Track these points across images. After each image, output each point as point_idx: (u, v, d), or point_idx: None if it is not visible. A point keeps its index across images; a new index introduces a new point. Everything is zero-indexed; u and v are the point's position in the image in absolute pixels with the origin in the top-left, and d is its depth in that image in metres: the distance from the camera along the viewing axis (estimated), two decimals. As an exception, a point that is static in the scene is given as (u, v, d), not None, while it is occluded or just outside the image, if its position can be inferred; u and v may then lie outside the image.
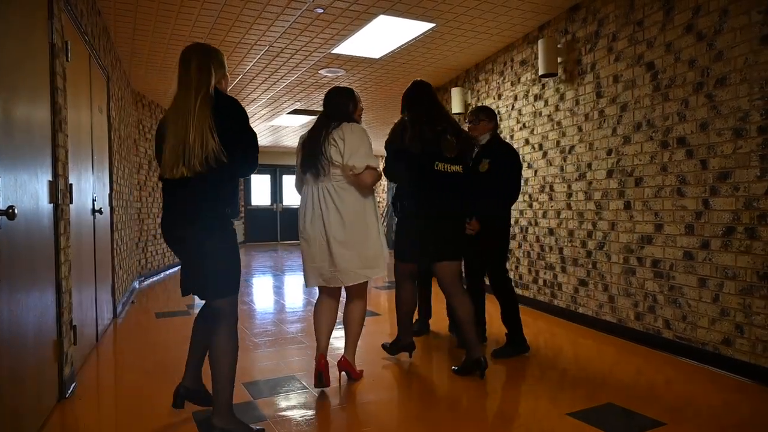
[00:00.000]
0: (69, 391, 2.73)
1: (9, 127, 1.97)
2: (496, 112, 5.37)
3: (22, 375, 2.08)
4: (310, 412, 2.50)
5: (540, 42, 4.35)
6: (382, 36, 4.76)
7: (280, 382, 2.93)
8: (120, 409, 2.62)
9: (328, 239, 2.63)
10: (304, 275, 2.78)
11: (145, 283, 6.68)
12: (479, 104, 5.75)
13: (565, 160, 4.38)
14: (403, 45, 5.06)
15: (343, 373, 2.89)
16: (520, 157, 4.94)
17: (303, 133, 2.79)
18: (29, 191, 2.18)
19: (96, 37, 3.97)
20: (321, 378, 2.66)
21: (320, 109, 2.86)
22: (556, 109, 4.48)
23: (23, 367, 2.11)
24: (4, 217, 1.81)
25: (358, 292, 2.83)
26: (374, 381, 2.92)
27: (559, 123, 4.45)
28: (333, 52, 5.20)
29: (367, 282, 2.79)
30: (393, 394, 2.73)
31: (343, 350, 2.95)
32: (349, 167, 2.57)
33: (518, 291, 5.02)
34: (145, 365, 3.21)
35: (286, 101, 7.41)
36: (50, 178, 2.53)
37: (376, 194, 12.71)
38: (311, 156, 2.65)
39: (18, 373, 2.03)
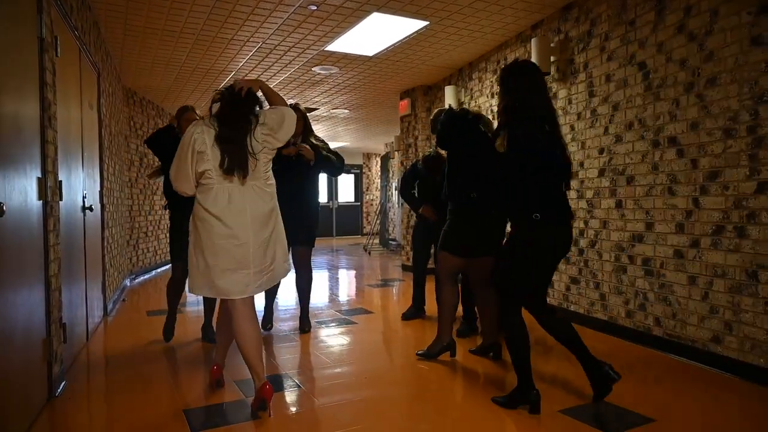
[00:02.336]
0: (58, 391, 2.69)
1: (-3, 122, 1.94)
2: (489, 110, 5.37)
3: (10, 374, 2.05)
4: (303, 410, 2.49)
5: (533, 41, 4.35)
6: (376, 34, 4.75)
7: (273, 380, 2.91)
8: (110, 408, 2.60)
9: (269, 238, 2.47)
10: (224, 285, 2.37)
11: (137, 281, 6.62)
12: (473, 103, 5.76)
13: (557, 159, 4.38)
14: (396, 43, 5.05)
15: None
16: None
17: (199, 128, 2.40)
18: (18, 188, 2.15)
19: (86, 32, 3.92)
20: (220, 383, 2.78)
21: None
22: (549, 107, 4.48)
23: (11, 366, 2.08)
24: (-8, 214, 1.79)
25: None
26: (368, 378, 2.92)
27: (551, 122, 4.45)
28: (326, 49, 5.18)
29: None
30: (386, 391, 2.73)
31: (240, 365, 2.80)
32: (284, 130, 2.48)
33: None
34: (135, 364, 3.18)
35: (278, 98, 7.36)
36: (39, 175, 2.49)
37: (369, 191, 12.62)
38: (237, 155, 2.36)
39: (6, 372, 2.00)
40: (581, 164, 4.09)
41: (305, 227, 3.77)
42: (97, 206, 4.26)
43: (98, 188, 4.39)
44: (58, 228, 2.81)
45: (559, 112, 4.35)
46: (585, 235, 4.06)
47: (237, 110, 2.43)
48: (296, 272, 3.90)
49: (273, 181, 2.55)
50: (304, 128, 3.75)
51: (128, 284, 6.23)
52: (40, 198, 2.49)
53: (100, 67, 4.56)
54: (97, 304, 4.22)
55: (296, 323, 4.20)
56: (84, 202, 3.71)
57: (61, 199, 2.90)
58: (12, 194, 2.07)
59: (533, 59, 4.35)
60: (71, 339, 3.14)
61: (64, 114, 3.08)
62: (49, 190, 2.62)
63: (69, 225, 3.19)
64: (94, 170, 4.20)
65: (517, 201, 2.42)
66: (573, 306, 4.19)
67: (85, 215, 3.73)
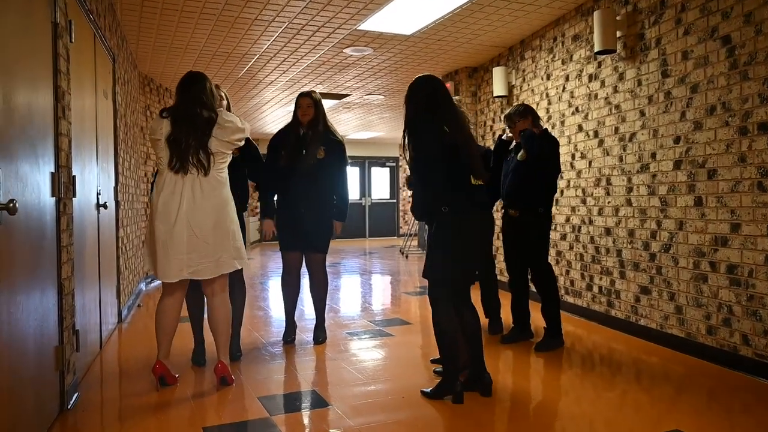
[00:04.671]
0: (71, 402, 2.81)
1: (9, 114, 2.03)
2: (544, 94, 5.30)
3: (21, 384, 2.15)
4: (333, 431, 2.51)
5: (596, 14, 4.26)
6: (415, 9, 4.74)
7: (299, 396, 2.95)
8: (124, 421, 2.69)
9: (203, 229, 2.89)
10: (161, 268, 2.89)
11: (153, 284, 6.83)
12: (525, 86, 5.69)
13: (624, 149, 4.29)
14: (438, 19, 5.03)
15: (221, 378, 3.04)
16: (573, 145, 4.90)
17: (159, 124, 2.95)
18: (31, 183, 2.25)
19: (101, 15, 4.06)
20: (164, 381, 3.00)
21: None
22: (615, 90, 4.39)
23: (24, 376, 2.17)
24: (5, 212, 1.86)
25: (221, 286, 3.06)
26: (405, 398, 2.92)
27: (617, 107, 4.36)
28: (359, 28, 5.21)
29: (227, 276, 3.10)
30: (423, 412, 2.72)
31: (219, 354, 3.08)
32: (240, 134, 3.04)
33: (570, 299, 4.95)
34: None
35: (306, 83, 7.46)
36: (53, 170, 2.60)
37: (406, 186, 12.64)
38: (188, 152, 2.88)
39: (17, 381, 2.10)
40: (653, 155, 3.98)
41: (318, 233, 3.88)
42: (111, 203, 4.41)
43: (113, 184, 4.54)
44: (71, 227, 2.93)
45: (627, 95, 4.25)
46: (657, 238, 3.95)
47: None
48: (310, 278, 4.05)
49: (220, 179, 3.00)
50: (316, 114, 3.82)
51: (143, 288, 6.43)
52: (53, 195, 2.59)
53: (116, 52, 4.72)
54: (111, 310, 4.38)
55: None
56: (98, 199, 3.84)
57: (74, 196, 3.01)
58: (25, 191, 2.16)
59: (596, 34, 4.26)
60: (84, 347, 3.26)
61: (78, 104, 3.20)
62: (63, 186, 2.73)
63: (82, 224, 3.31)
64: (108, 164, 4.35)
65: (428, 198, 2.87)
66: (643, 320, 4.09)
67: (99, 213, 3.87)
